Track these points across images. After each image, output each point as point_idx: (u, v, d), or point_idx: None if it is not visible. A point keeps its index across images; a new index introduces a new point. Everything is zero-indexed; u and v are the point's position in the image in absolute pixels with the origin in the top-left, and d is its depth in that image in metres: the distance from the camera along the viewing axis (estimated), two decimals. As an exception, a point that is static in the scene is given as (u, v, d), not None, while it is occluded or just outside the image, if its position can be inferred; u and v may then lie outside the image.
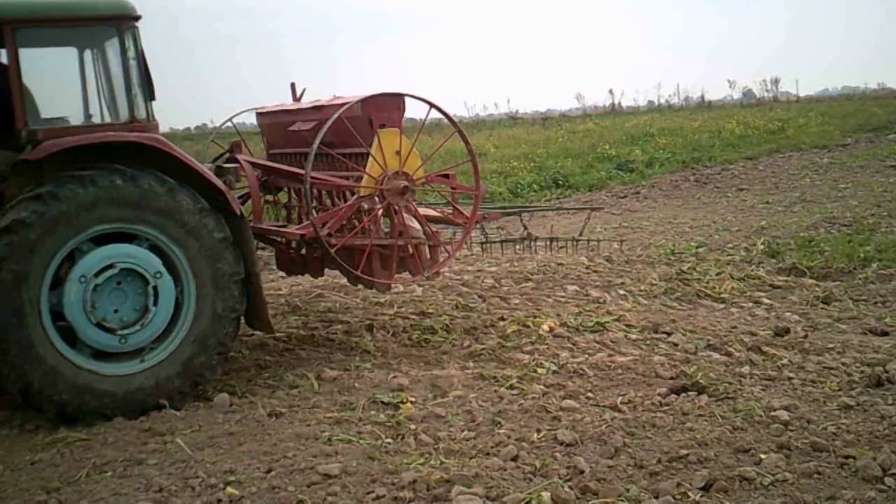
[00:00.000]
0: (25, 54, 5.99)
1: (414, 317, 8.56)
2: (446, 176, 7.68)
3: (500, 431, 5.52)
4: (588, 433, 5.42)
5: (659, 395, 6.15)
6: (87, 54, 6.86)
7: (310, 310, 9.03)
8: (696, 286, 9.74)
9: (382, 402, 6.08)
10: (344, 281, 10.39)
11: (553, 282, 10.03)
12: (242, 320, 6.53)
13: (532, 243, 10.55)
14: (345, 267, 6.99)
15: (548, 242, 10.95)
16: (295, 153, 7.91)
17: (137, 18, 6.30)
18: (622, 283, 9.90)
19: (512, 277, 10.21)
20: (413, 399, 6.12)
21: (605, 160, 24.25)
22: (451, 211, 7.90)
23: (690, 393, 6.16)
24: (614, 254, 11.53)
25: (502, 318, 8.23)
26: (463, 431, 5.56)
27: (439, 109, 7.04)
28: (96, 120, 6.71)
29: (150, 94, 6.41)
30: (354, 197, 7.00)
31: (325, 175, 7.15)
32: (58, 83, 6.66)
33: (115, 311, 5.96)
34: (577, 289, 9.64)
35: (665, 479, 4.79)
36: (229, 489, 4.70)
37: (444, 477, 4.75)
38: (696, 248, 12.08)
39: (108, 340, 5.93)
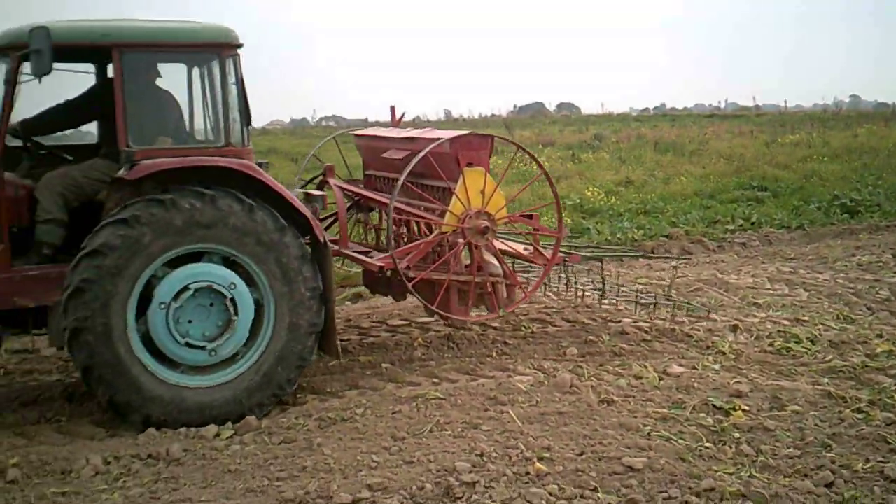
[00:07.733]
0: (131, 76, 6.25)
1: (785, 322, 8.32)
2: (530, 216, 7.78)
3: (828, 455, 5.32)
4: (917, 473, 5.02)
5: None
6: (195, 75, 6.95)
7: (683, 304, 9.13)
8: None
9: (714, 406, 6.10)
10: (726, 277, 10.34)
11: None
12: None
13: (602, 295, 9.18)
14: (421, 300, 7.15)
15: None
16: (387, 177, 8.10)
17: (239, 46, 6.55)
18: None
19: (910, 291, 9.42)
20: (746, 407, 6.05)
21: None
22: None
23: None
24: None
25: (880, 335, 7.70)
26: (788, 448, 5.43)
27: (526, 151, 7.45)
28: (198, 141, 6.81)
29: (247, 119, 6.68)
30: (436, 232, 7.16)
31: (410, 207, 7.33)
32: (161, 105, 6.71)
33: (199, 327, 6.15)
34: None
35: None
36: (538, 464, 5.13)
37: (741, 491, 4.75)
38: None
39: (198, 356, 6.16)
